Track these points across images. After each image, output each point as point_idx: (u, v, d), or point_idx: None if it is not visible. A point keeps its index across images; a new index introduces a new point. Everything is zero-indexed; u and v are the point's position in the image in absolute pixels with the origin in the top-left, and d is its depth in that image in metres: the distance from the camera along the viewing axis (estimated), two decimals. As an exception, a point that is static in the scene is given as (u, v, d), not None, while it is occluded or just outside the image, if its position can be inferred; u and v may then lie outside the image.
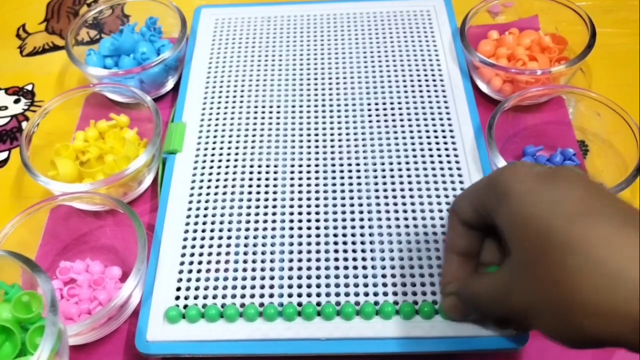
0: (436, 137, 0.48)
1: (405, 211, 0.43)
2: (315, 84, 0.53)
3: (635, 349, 0.25)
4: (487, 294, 0.32)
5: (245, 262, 0.41)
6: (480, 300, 0.33)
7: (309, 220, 0.43)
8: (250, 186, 0.46)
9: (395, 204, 0.44)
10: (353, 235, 0.42)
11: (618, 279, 0.24)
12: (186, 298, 0.40)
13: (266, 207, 0.44)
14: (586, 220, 0.26)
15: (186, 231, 0.43)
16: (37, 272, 0.36)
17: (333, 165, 0.47)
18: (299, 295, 0.39)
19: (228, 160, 0.48)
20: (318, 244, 0.42)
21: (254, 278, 0.40)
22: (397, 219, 0.43)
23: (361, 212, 0.43)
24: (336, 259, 0.41)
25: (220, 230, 0.43)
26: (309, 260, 0.41)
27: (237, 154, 0.48)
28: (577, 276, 0.25)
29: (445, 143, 0.47)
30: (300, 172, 0.46)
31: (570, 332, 0.27)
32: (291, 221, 0.43)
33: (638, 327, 0.24)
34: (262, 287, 0.40)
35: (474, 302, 0.34)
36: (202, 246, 0.42)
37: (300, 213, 0.44)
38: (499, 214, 0.30)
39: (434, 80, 0.52)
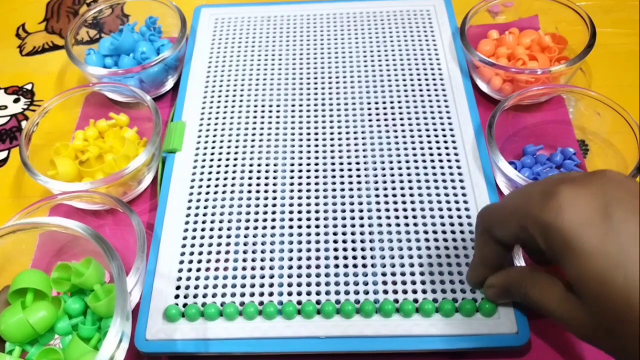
0: (436, 136, 0.48)
1: (405, 210, 0.43)
2: (315, 83, 0.53)
3: None
4: (557, 311, 0.31)
5: (244, 260, 0.41)
6: (546, 309, 0.32)
7: (308, 219, 0.43)
8: (249, 185, 0.46)
9: (395, 203, 0.44)
10: (353, 233, 0.42)
11: None
12: (185, 297, 0.40)
13: (266, 205, 0.44)
14: None
15: (185, 230, 0.43)
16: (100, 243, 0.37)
17: (332, 164, 0.47)
18: (299, 293, 0.39)
19: (227, 160, 0.48)
20: (317, 242, 0.42)
21: (253, 277, 0.40)
22: (397, 217, 0.43)
23: (361, 211, 0.43)
24: (336, 257, 0.41)
25: (220, 229, 0.43)
26: (308, 258, 0.41)
27: (236, 153, 0.48)
28: None
29: (446, 142, 0.47)
30: (300, 170, 0.46)
31: None
32: (290, 220, 0.43)
33: None
34: (262, 285, 0.40)
35: (531, 304, 0.33)
36: (201, 245, 0.42)
37: (299, 212, 0.44)
38: (565, 265, 0.28)
39: (434, 80, 0.52)
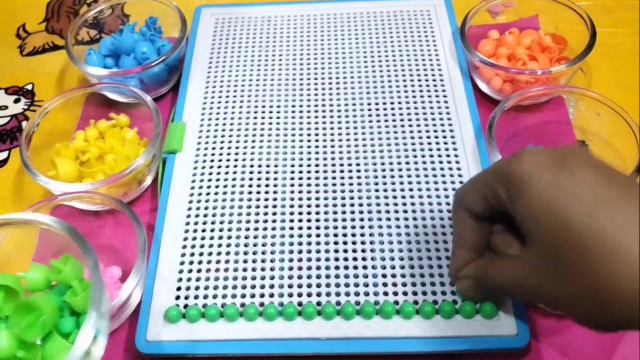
0: (436, 137, 0.48)
1: (405, 211, 0.43)
2: (315, 83, 0.53)
3: None
4: (511, 281, 0.32)
5: (245, 261, 0.41)
6: (503, 286, 0.33)
7: (309, 220, 0.43)
8: (250, 186, 0.46)
9: (396, 204, 0.44)
10: (353, 235, 0.42)
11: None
12: (186, 298, 0.40)
13: (266, 206, 0.44)
14: (603, 211, 0.27)
15: (186, 231, 0.43)
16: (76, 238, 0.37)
17: (333, 164, 0.47)
18: (299, 294, 0.39)
19: (228, 160, 0.48)
20: (318, 243, 0.42)
21: (254, 278, 0.40)
22: (398, 218, 0.43)
23: (361, 212, 0.43)
24: (336, 259, 0.41)
25: (221, 230, 0.43)
26: (309, 259, 0.41)
27: (237, 153, 0.48)
28: (601, 267, 0.26)
29: (446, 143, 0.47)
30: (301, 171, 0.46)
31: (598, 318, 0.28)
32: (291, 221, 0.43)
33: None
34: (262, 286, 0.40)
35: (494, 287, 0.34)
36: (202, 246, 0.42)
37: (300, 212, 0.44)
38: (517, 205, 0.31)
39: (434, 80, 0.52)
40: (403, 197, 0.44)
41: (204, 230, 0.43)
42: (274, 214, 0.44)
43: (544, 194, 0.29)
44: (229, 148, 0.48)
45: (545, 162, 0.30)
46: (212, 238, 0.43)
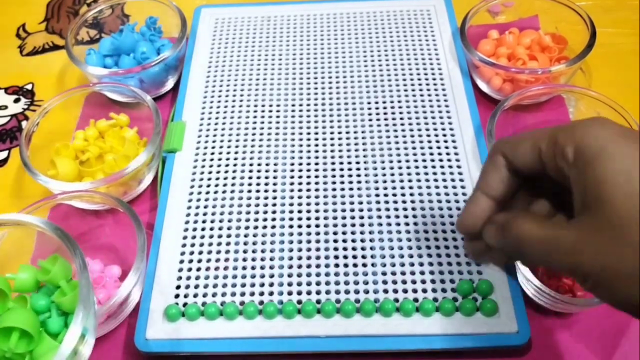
0: (436, 136, 0.48)
1: (405, 209, 0.43)
2: (315, 83, 0.53)
3: None
4: (546, 244, 0.30)
5: (244, 260, 0.41)
6: (531, 248, 0.31)
7: (308, 219, 0.43)
8: (249, 185, 0.46)
9: (395, 202, 0.44)
10: (353, 233, 0.42)
11: None
12: (186, 296, 0.40)
13: (266, 205, 0.44)
14: None
15: (186, 230, 0.43)
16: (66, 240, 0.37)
17: (333, 164, 0.47)
18: (299, 293, 0.39)
19: (228, 159, 0.48)
20: (318, 242, 0.42)
21: (253, 276, 0.40)
22: (397, 217, 0.43)
23: (361, 210, 0.43)
24: (336, 257, 0.41)
25: (220, 229, 0.43)
26: (308, 258, 0.41)
27: (236, 153, 0.48)
28: None
29: (446, 142, 0.47)
30: (300, 170, 0.46)
31: None
32: (291, 219, 0.43)
33: None
34: (262, 285, 0.40)
35: (517, 246, 0.32)
36: (201, 244, 0.42)
37: (299, 211, 0.44)
38: (588, 169, 0.29)
39: (434, 80, 0.52)
40: (403, 195, 0.44)
41: (203, 229, 0.43)
42: (274, 212, 0.44)
43: (626, 164, 0.28)
44: (229, 147, 0.48)
45: (622, 133, 0.29)
46: (211, 237, 0.43)
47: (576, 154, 0.30)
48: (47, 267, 0.39)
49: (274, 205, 0.44)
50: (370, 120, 0.49)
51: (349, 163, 0.46)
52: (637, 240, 0.27)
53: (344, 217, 0.43)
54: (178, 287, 0.40)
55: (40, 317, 0.38)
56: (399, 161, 0.46)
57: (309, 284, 0.40)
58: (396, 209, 0.43)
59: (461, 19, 0.54)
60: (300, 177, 0.46)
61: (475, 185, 0.34)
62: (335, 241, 0.42)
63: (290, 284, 0.40)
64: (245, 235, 0.43)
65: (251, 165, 0.47)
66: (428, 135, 0.48)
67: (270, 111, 0.51)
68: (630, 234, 0.27)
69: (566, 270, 0.31)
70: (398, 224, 0.42)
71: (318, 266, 0.41)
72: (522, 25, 0.57)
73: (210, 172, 0.47)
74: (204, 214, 0.44)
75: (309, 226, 0.43)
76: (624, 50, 0.58)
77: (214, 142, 0.49)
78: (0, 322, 0.35)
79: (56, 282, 0.38)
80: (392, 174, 0.45)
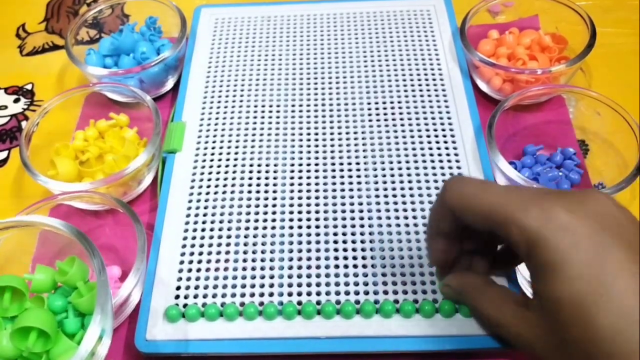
0: (436, 136, 0.48)
1: (405, 210, 0.43)
2: (315, 83, 0.53)
3: None
4: (499, 320, 0.32)
5: (245, 261, 0.41)
6: (490, 320, 0.33)
7: (308, 219, 0.43)
8: (250, 185, 0.46)
9: (395, 203, 0.44)
10: (353, 234, 0.42)
11: None
12: (186, 297, 0.40)
13: (266, 206, 0.44)
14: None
15: (186, 230, 0.43)
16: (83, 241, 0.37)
17: (333, 164, 0.47)
18: (299, 294, 0.39)
19: (228, 160, 0.47)
20: (318, 242, 0.42)
21: (253, 277, 0.40)
22: (397, 217, 0.43)
23: (361, 211, 0.43)
24: (336, 258, 0.41)
25: (220, 230, 0.43)
26: (308, 259, 0.41)
27: (236, 153, 0.48)
28: None
29: (446, 142, 0.47)
30: (300, 171, 0.46)
31: None
32: (291, 220, 0.43)
33: None
34: (262, 286, 0.40)
35: (479, 314, 0.34)
36: (201, 245, 0.42)
37: (300, 212, 0.44)
38: (540, 278, 0.28)
39: (434, 80, 0.52)
40: (403, 196, 0.44)
41: (203, 230, 0.43)
42: (274, 213, 0.44)
43: (576, 287, 0.26)
44: (229, 148, 0.48)
45: (581, 239, 0.27)
46: (211, 237, 0.43)
47: (527, 254, 0.28)
48: (64, 269, 0.38)
49: (274, 205, 0.44)
50: (370, 120, 0.49)
51: (349, 164, 0.46)
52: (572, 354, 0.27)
53: (344, 218, 0.43)
54: (178, 287, 0.40)
55: (57, 317, 0.38)
56: (399, 162, 0.46)
57: (309, 284, 0.40)
58: (396, 210, 0.43)
59: (461, 19, 0.54)
60: (300, 177, 0.46)
61: (428, 223, 0.35)
62: (336, 242, 0.42)
63: (290, 285, 0.40)
64: (246, 236, 0.43)
65: (251, 165, 0.47)
66: (428, 136, 0.48)
67: (271, 111, 0.51)
68: (566, 346, 0.27)
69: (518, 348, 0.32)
70: (398, 225, 0.42)
71: (318, 267, 0.41)
72: (522, 25, 0.57)
73: (210, 173, 0.47)
74: (204, 215, 0.44)
75: (309, 227, 0.43)
76: (624, 50, 0.58)
77: (214, 142, 0.49)
78: (18, 321, 0.36)
79: (73, 284, 0.38)
80: (392, 175, 0.45)
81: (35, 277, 0.39)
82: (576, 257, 0.26)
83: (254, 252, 0.42)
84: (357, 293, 0.39)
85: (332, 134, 0.49)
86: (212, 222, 0.44)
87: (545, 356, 0.29)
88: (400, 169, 0.46)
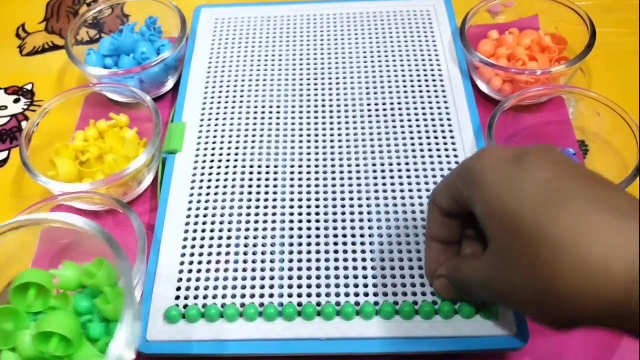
0: (436, 137, 0.48)
1: (405, 212, 0.43)
2: (315, 83, 0.53)
3: (613, 331, 0.26)
4: (475, 279, 0.32)
5: (245, 262, 0.41)
6: (469, 285, 0.33)
7: (309, 221, 0.43)
8: (250, 186, 0.46)
9: (395, 205, 0.44)
10: (353, 235, 0.42)
11: (587, 264, 0.25)
12: (186, 298, 0.40)
13: (266, 207, 0.44)
14: (551, 206, 0.26)
15: (186, 231, 0.43)
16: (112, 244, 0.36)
17: (333, 165, 0.47)
18: (299, 295, 0.39)
19: (228, 160, 0.48)
20: (318, 244, 0.42)
21: (254, 278, 0.40)
22: (398, 219, 0.43)
23: (361, 213, 0.43)
24: (336, 259, 0.41)
25: (221, 230, 0.43)
26: (309, 260, 0.41)
27: (237, 154, 0.48)
28: (550, 264, 0.26)
29: (445, 143, 0.47)
30: (300, 172, 0.46)
31: (551, 316, 0.27)
32: (291, 221, 0.43)
33: (612, 310, 0.25)
34: (262, 287, 0.40)
35: (463, 286, 0.35)
36: (202, 246, 0.42)
37: (300, 213, 0.44)
38: (474, 203, 0.31)
39: (434, 80, 0.52)
40: (403, 197, 0.44)
41: (203, 231, 0.43)
42: (274, 214, 0.44)
43: (496, 191, 0.29)
44: (229, 148, 0.48)
45: (504, 159, 0.30)
46: (212, 238, 0.43)
47: (467, 190, 0.31)
48: (92, 271, 0.38)
49: (275, 207, 0.44)
50: (370, 121, 0.49)
51: (350, 165, 0.46)
52: (520, 265, 0.27)
53: (344, 219, 0.43)
54: (178, 288, 0.40)
55: (82, 319, 0.37)
56: (400, 163, 0.46)
57: (309, 286, 0.40)
58: (396, 212, 0.43)
59: (461, 19, 0.54)
60: (301, 178, 0.46)
61: (426, 232, 0.37)
62: (336, 244, 0.42)
63: (290, 286, 0.40)
64: (246, 237, 0.43)
65: (252, 166, 0.47)
66: (428, 137, 0.48)
67: (271, 112, 0.51)
68: (512, 260, 0.28)
69: (494, 300, 0.34)
70: (398, 227, 0.42)
71: (319, 268, 0.41)
72: (522, 26, 0.57)
73: (210, 174, 0.47)
74: (205, 216, 0.44)
75: (309, 228, 0.43)
76: (624, 51, 0.58)
77: (214, 143, 0.49)
78: (41, 323, 0.35)
79: (101, 288, 0.37)
80: (393, 177, 0.45)
81: (62, 274, 0.38)
82: (493, 170, 0.30)
83: (254, 253, 0.42)
84: (357, 295, 0.39)
85: (332, 134, 0.49)
86: (213, 222, 0.44)
87: (503, 293, 0.30)
88: (400, 170, 0.46)
